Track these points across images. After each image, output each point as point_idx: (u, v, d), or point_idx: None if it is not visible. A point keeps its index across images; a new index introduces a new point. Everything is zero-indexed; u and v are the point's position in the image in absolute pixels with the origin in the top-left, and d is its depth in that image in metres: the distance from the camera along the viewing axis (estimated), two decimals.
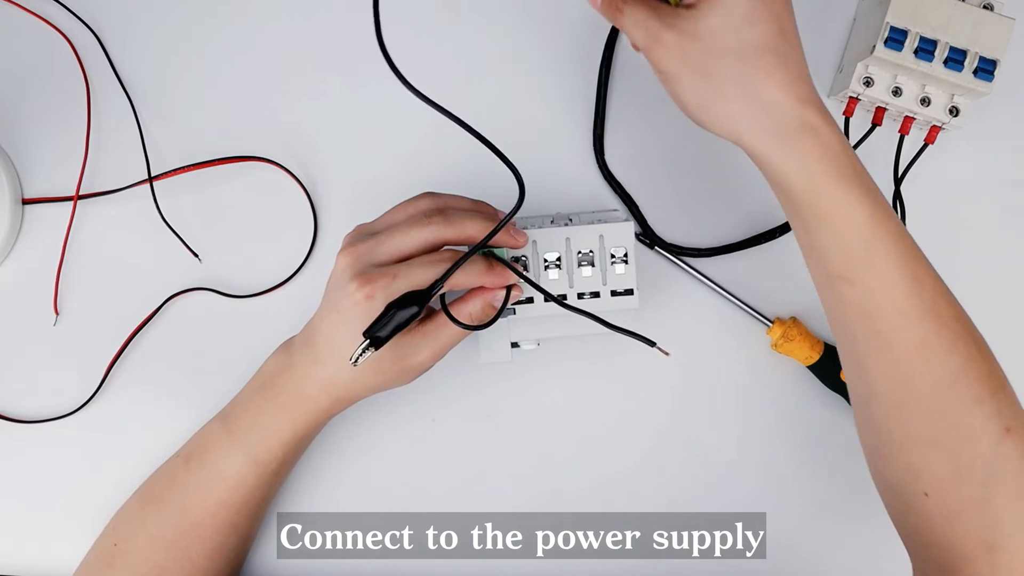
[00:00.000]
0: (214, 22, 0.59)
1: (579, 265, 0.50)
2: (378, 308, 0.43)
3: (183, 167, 0.56)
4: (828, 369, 0.55)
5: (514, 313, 0.50)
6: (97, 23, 0.58)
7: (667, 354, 0.47)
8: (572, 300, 0.50)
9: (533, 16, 0.58)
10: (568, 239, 0.50)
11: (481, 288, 0.47)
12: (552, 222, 0.51)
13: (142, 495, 0.52)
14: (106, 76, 0.58)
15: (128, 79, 0.58)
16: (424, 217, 0.45)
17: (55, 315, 0.57)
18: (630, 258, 0.50)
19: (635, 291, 0.50)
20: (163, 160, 0.57)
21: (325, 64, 0.58)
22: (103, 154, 0.57)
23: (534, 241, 0.50)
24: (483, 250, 0.47)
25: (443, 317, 0.46)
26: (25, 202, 0.57)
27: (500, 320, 0.50)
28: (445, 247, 0.46)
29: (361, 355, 0.42)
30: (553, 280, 0.50)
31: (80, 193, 0.56)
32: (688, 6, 0.42)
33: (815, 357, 0.55)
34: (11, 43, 0.58)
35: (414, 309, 0.42)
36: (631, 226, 0.50)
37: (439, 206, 0.46)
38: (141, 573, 0.50)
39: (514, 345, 0.52)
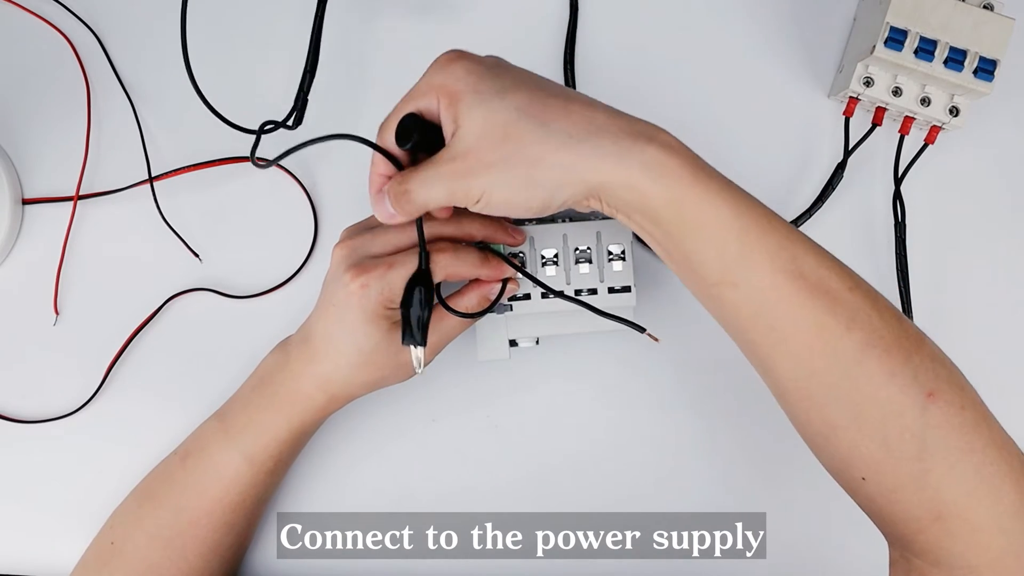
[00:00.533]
0: (214, 22, 0.59)
1: (576, 262, 0.50)
2: (372, 298, 0.44)
3: (183, 167, 0.56)
4: None
5: (511, 310, 0.50)
6: (97, 23, 0.58)
7: (656, 340, 0.47)
8: (569, 295, 0.50)
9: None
10: (565, 236, 0.50)
11: (477, 282, 0.47)
12: (551, 219, 0.51)
13: (139, 494, 0.52)
14: (106, 76, 0.58)
15: (128, 79, 0.58)
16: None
17: (55, 315, 0.57)
18: (627, 255, 0.50)
19: (632, 288, 0.50)
20: (163, 160, 0.57)
21: (325, 64, 0.58)
22: (103, 154, 0.57)
23: (531, 238, 0.50)
24: (480, 246, 0.47)
25: (437, 313, 0.46)
26: (25, 202, 0.57)
27: (498, 318, 0.50)
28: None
29: (416, 357, 0.45)
30: (551, 277, 0.50)
31: (80, 193, 0.56)
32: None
33: None
34: (11, 43, 0.58)
35: (422, 292, 0.43)
36: None
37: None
38: (137, 571, 0.50)
39: (512, 344, 0.52)
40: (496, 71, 0.40)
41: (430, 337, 0.46)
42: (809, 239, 0.40)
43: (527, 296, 0.50)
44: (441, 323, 0.47)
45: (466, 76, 0.39)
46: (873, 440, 0.39)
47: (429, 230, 0.45)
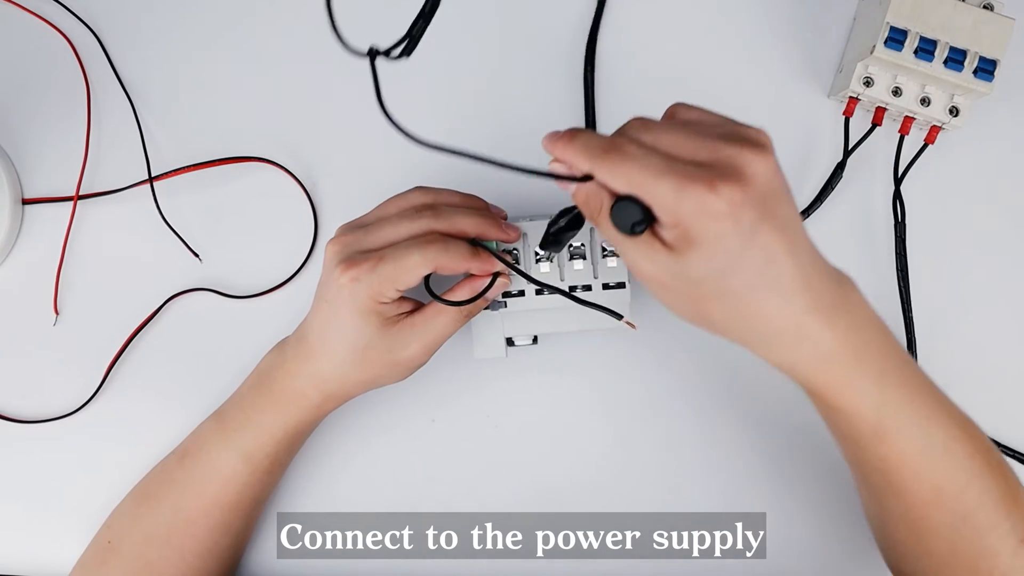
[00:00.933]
0: (214, 22, 0.59)
1: (571, 258, 0.50)
2: (363, 292, 0.44)
3: (183, 167, 0.56)
4: None
5: (505, 306, 0.50)
6: (97, 23, 0.58)
7: (633, 327, 0.47)
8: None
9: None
10: None
11: (470, 277, 0.47)
12: (545, 216, 0.51)
13: (137, 493, 0.52)
14: (106, 76, 0.58)
15: (128, 79, 0.58)
16: (414, 211, 0.45)
17: (55, 315, 0.57)
18: None
19: (627, 284, 0.50)
20: (163, 160, 0.57)
21: (325, 64, 0.58)
22: (103, 154, 0.57)
23: (525, 234, 0.50)
24: (472, 242, 0.47)
25: (431, 310, 0.46)
26: (25, 202, 0.57)
27: (493, 315, 0.50)
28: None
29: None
30: (545, 273, 0.50)
31: (80, 193, 0.56)
32: (662, 239, 0.38)
33: None
34: (11, 43, 0.58)
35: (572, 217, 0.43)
36: None
37: (430, 201, 0.46)
38: (133, 570, 0.50)
39: (510, 343, 0.52)
40: (765, 200, 0.37)
41: (422, 336, 0.46)
42: (944, 403, 0.43)
43: (521, 293, 0.50)
44: (435, 319, 0.46)
45: (740, 198, 0.36)
46: (962, 572, 0.43)
47: (419, 227, 0.45)
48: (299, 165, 0.57)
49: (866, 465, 0.44)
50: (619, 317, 0.46)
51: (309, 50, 0.58)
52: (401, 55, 0.37)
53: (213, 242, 0.57)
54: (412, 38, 0.36)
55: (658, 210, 0.37)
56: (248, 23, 0.58)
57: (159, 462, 0.52)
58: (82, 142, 0.57)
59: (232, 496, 0.50)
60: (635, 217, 0.37)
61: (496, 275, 0.47)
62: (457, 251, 0.45)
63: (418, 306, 0.47)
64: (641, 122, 0.39)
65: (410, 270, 0.43)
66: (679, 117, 0.40)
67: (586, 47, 0.58)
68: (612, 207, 0.38)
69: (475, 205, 0.48)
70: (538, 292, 0.50)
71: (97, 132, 0.57)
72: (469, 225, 0.45)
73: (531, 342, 0.52)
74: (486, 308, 0.50)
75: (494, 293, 0.47)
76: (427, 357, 0.47)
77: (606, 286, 0.50)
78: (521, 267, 0.49)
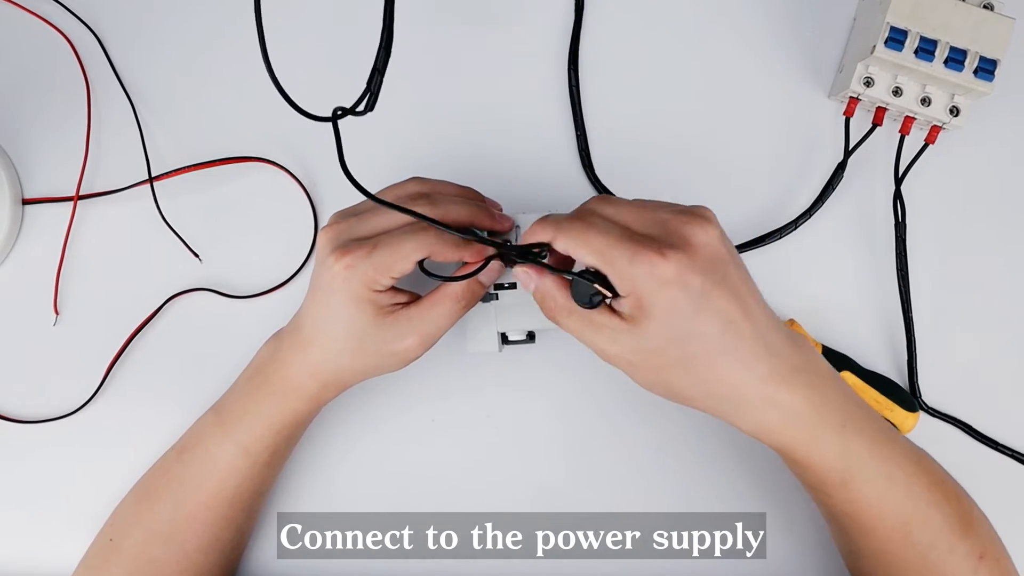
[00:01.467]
0: (214, 22, 0.59)
1: None
2: (357, 279, 0.43)
3: (183, 167, 0.56)
4: None
5: (496, 298, 0.49)
6: (97, 23, 0.58)
7: (609, 296, 0.43)
8: None
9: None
10: None
11: (465, 265, 0.46)
12: (538, 208, 0.51)
13: (137, 490, 0.52)
14: (106, 76, 0.58)
15: (128, 79, 0.58)
16: (409, 198, 0.45)
17: (55, 315, 0.57)
18: None
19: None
20: (163, 160, 0.57)
21: (325, 64, 0.58)
22: (103, 154, 0.57)
23: (517, 226, 0.50)
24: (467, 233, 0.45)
25: (427, 302, 0.46)
26: (25, 202, 0.57)
27: (486, 309, 0.49)
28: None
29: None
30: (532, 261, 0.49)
31: (80, 193, 0.56)
32: (620, 315, 0.41)
33: None
34: (11, 43, 0.58)
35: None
36: None
37: (425, 190, 0.46)
38: (136, 567, 0.49)
39: (505, 339, 0.51)
40: (714, 267, 0.40)
41: (418, 328, 0.46)
42: (902, 443, 0.45)
43: (513, 286, 0.50)
44: (432, 310, 0.46)
45: (687, 264, 0.39)
46: None
47: (411, 207, 0.43)
48: (299, 165, 0.57)
49: (835, 509, 0.45)
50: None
51: (309, 50, 0.58)
52: (365, 110, 0.38)
53: (213, 242, 0.57)
54: (372, 93, 0.37)
55: (614, 277, 0.39)
56: (248, 23, 0.58)
57: (159, 459, 0.52)
58: (82, 142, 0.57)
59: (232, 489, 0.50)
60: (591, 291, 0.40)
61: (489, 259, 0.46)
62: (451, 238, 0.44)
63: (414, 298, 0.47)
64: (602, 198, 0.43)
65: (405, 256, 0.43)
66: (623, 203, 0.42)
67: (569, 53, 0.58)
68: (571, 283, 0.41)
69: (470, 195, 0.48)
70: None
71: (97, 132, 0.57)
72: (463, 214, 0.45)
73: (526, 338, 0.52)
74: (482, 301, 0.49)
75: (488, 276, 0.46)
76: (424, 349, 0.47)
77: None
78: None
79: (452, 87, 0.59)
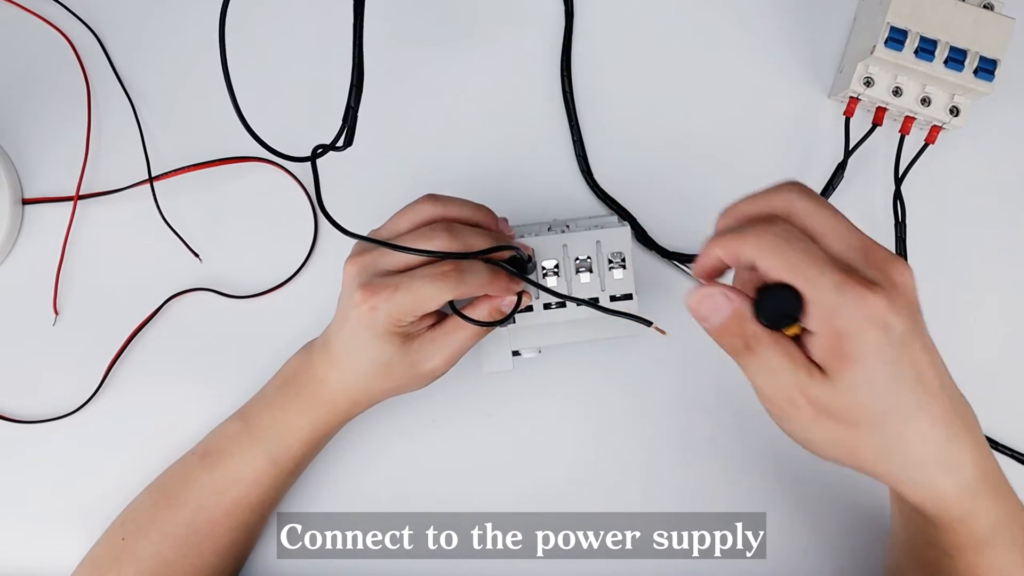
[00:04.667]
0: (214, 22, 0.58)
1: (577, 272, 0.50)
2: (381, 320, 0.44)
3: (183, 167, 0.56)
4: None
5: (513, 322, 0.50)
6: (97, 23, 0.58)
7: (664, 333, 0.45)
8: (571, 305, 0.50)
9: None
10: (565, 246, 0.50)
11: (486, 297, 0.47)
12: (549, 229, 0.51)
13: (154, 491, 0.52)
14: (106, 76, 0.58)
15: (128, 79, 0.58)
16: (429, 230, 0.45)
17: (55, 315, 0.57)
18: (628, 263, 0.50)
19: (634, 295, 0.50)
20: (163, 160, 0.57)
21: (325, 63, 0.58)
22: (103, 154, 0.57)
23: (533, 249, 0.50)
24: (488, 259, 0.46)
25: (451, 323, 0.47)
26: (25, 202, 0.57)
27: (500, 330, 0.51)
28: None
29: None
30: (553, 287, 0.50)
31: (80, 193, 0.56)
32: (817, 366, 0.36)
33: None
34: (11, 43, 0.58)
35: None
36: (627, 231, 0.50)
37: (441, 215, 0.46)
38: (149, 569, 0.49)
39: (515, 354, 0.52)
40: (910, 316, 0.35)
41: (444, 349, 0.47)
42: None
43: (529, 308, 0.50)
44: (456, 333, 0.47)
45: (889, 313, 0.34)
46: None
47: (436, 247, 0.44)
48: (299, 165, 0.57)
49: (945, 569, 0.42)
50: (648, 323, 0.46)
51: (309, 50, 0.58)
52: (344, 146, 0.38)
53: (213, 242, 0.57)
54: (349, 128, 0.38)
55: (814, 306, 0.34)
56: (248, 23, 0.58)
57: (178, 461, 0.52)
58: (82, 142, 0.57)
59: (255, 497, 0.50)
60: (785, 308, 0.34)
61: (520, 294, 0.47)
62: (473, 279, 0.44)
63: (439, 318, 0.48)
64: (795, 191, 0.37)
65: (426, 300, 0.44)
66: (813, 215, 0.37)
67: (561, 59, 0.58)
68: (759, 294, 0.36)
69: (486, 220, 0.48)
70: (546, 307, 0.50)
71: (97, 132, 0.57)
72: (483, 244, 0.45)
73: (537, 353, 0.52)
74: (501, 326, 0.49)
75: (510, 306, 0.47)
76: (449, 368, 0.48)
77: (613, 298, 0.50)
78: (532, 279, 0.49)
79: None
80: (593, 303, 0.46)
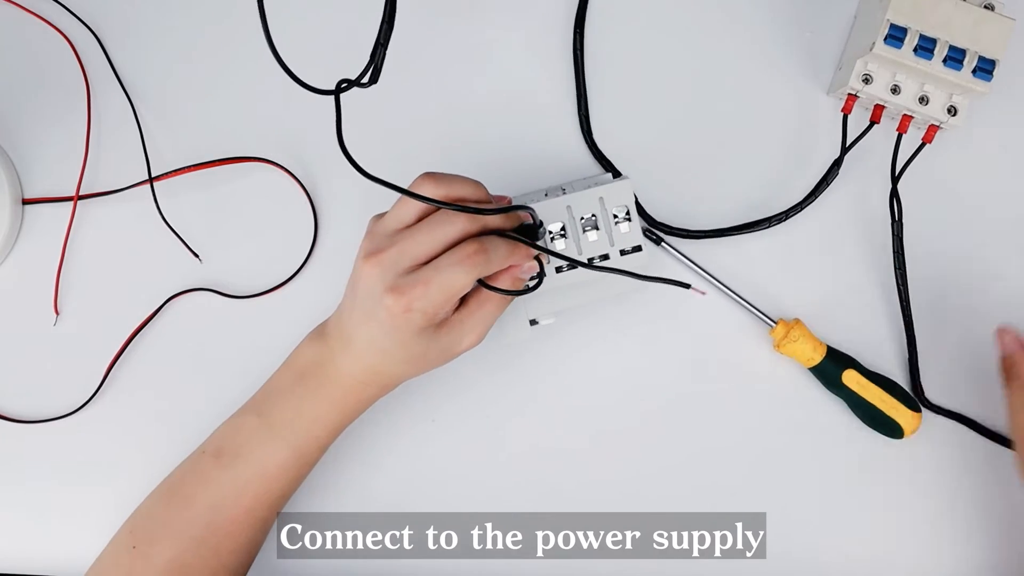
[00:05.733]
0: (214, 22, 0.59)
1: (584, 231, 0.50)
2: (418, 319, 0.44)
3: (183, 167, 0.56)
4: (829, 372, 0.55)
5: (540, 284, 0.49)
6: (97, 23, 0.58)
7: (703, 293, 0.48)
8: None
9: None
10: (569, 207, 0.50)
11: (510, 267, 0.46)
12: (546, 195, 0.51)
13: (164, 494, 0.50)
14: (106, 76, 0.58)
15: (128, 79, 0.58)
16: (443, 215, 0.44)
17: (55, 315, 0.57)
18: (632, 215, 0.50)
19: (643, 247, 0.50)
20: (163, 160, 0.57)
21: (326, 63, 0.58)
22: (103, 154, 0.57)
23: (533, 212, 0.50)
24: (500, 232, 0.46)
25: (475, 301, 0.46)
26: (25, 202, 0.57)
27: (516, 300, 0.50)
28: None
29: None
30: (562, 250, 0.50)
31: (80, 193, 0.57)
32: None
33: (817, 359, 0.55)
34: (11, 43, 0.58)
35: None
36: (629, 184, 0.50)
37: (444, 196, 0.45)
38: (166, 574, 0.48)
39: (533, 323, 0.52)
40: None
41: (476, 325, 0.47)
42: None
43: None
44: (483, 308, 0.46)
45: None
46: None
47: (452, 232, 0.44)
48: (299, 165, 0.57)
49: None
50: (687, 286, 0.44)
51: (310, 50, 0.58)
52: (370, 82, 0.38)
53: (213, 242, 0.57)
54: (376, 65, 0.38)
55: None
56: (248, 23, 0.58)
57: (186, 461, 0.51)
58: (82, 142, 0.57)
59: (277, 491, 0.49)
60: None
61: (537, 258, 0.47)
62: (497, 255, 0.44)
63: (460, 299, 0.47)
64: None
65: (459, 287, 0.43)
66: None
67: (575, 16, 0.58)
68: None
69: (484, 195, 0.47)
70: (558, 270, 0.50)
71: (97, 132, 0.57)
72: (495, 220, 0.45)
73: (553, 320, 0.52)
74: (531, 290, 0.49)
75: (529, 273, 0.47)
76: (480, 342, 0.48)
77: (623, 252, 0.50)
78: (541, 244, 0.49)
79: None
80: (626, 271, 0.45)
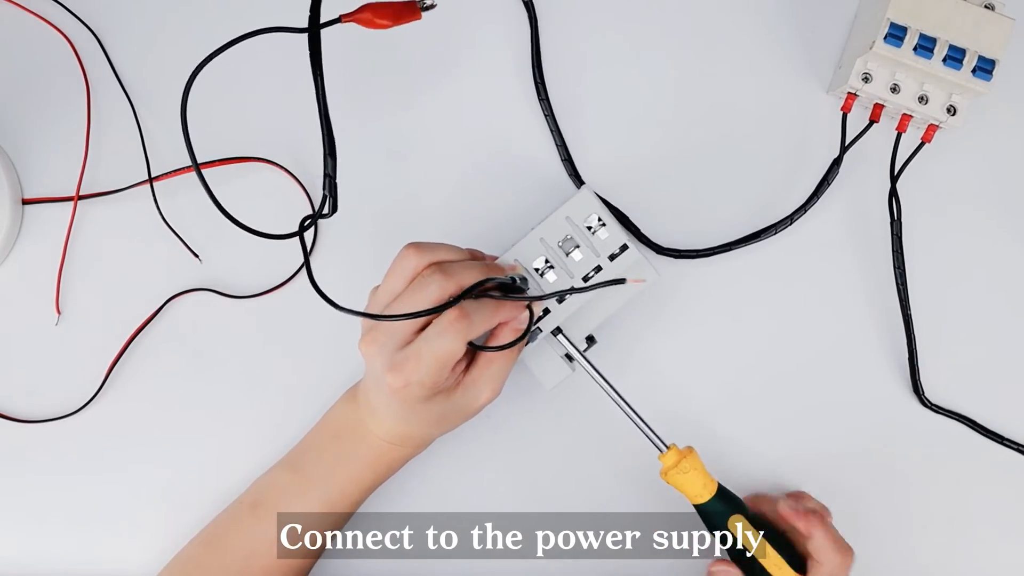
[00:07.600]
0: (214, 22, 0.59)
1: (567, 254, 0.50)
2: (416, 392, 0.45)
3: (183, 167, 0.56)
4: (715, 514, 0.49)
5: (540, 331, 0.51)
6: (97, 23, 0.58)
7: (642, 280, 0.49)
8: (581, 284, 0.50)
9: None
10: (542, 239, 0.50)
11: (501, 324, 0.48)
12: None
13: (203, 541, 0.52)
14: (106, 76, 0.58)
15: (128, 79, 0.58)
16: (422, 278, 0.45)
17: (56, 315, 0.57)
18: (605, 218, 0.50)
19: (630, 245, 0.50)
20: (163, 160, 0.57)
21: (326, 63, 0.58)
22: (103, 154, 0.57)
23: (515, 259, 0.50)
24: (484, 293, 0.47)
25: (484, 359, 0.48)
26: (25, 202, 0.57)
27: (541, 344, 0.51)
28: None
29: None
30: (553, 281, 0.50)
31: (80, 193, 0.57)
32: None
33: (705, 497, 0.49)
34: (11, 43, 0.58)
35: None
36: (587, 190, 0.51)
37: (428, 262, 0.46)
38: None
39: (568, 358, 0.52)
40: None
41: (490, 381, 0.48)
42: None
43: (546, 312, 0.50)
44: (493, 364, 0.48)
45: None
46: None
47: (434, 295, 0.44)
48: (299, 165, 0.57)
49: None
50: (622, 281, 0.46)
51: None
52: (330, 213, 0.40)
53: (213, 242, 0.57)
54: (331, 196, 0.40)
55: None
56: (248, 23, 0.58)
57: (225, 511, 0.53)
58: (82, 142, 0.57)
59: (309, 542, 0.51)
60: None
61: (530, 309, 0.49)
62: (480, 316, 0.46)
63: (471, 355, 0.48)
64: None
65: (450, 354, 0.44)
66: None
67: (532, 65, 0.58)
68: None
69: (467, 257, 0.48)
70: (560, 301, 0.50)
71: (97, 132, 0.58)
72: (475, 277, 0.46)
73: (587, 346, 0.53)
74: (528, 344, 0.50)
75: (524, 323, 0.48)
76: (498, 394, 0.49)
77: (612, 256, 0.50)
78: (532, 285, 0.50)
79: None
80: (571, 289, 0.48)
